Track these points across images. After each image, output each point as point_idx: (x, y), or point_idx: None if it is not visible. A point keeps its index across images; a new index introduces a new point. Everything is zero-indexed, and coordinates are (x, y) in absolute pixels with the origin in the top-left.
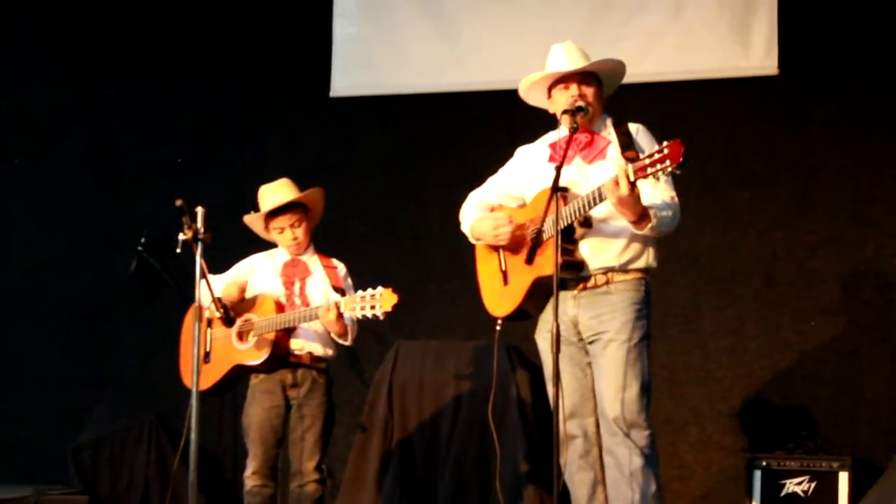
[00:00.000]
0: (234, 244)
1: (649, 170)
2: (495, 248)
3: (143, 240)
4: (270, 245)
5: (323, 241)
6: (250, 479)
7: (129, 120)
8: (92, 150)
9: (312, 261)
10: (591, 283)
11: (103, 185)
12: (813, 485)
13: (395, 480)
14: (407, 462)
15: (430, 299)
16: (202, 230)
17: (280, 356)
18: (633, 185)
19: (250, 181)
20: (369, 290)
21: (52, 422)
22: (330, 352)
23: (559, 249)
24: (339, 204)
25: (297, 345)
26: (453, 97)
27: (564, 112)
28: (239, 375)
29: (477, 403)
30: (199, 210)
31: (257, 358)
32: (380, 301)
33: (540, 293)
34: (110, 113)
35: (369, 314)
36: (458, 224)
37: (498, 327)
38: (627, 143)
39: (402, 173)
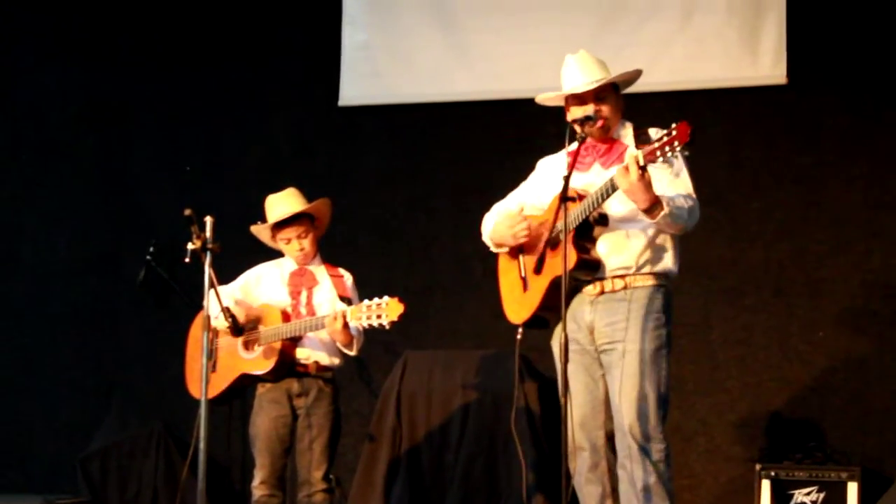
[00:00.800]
0: (242, 253)
1: (658, 153)
2: (515, 256)
3: (151, 249)
4: (278, 254)
5: (331, 250)
6: (258, 488)
7: (139, 126)
8: (101, 159)
9: (319, 270)
10: (608, 287)
11: (112, 191)
12: (822, 495)
13: (403, 490)
14: (415, 471)
15: (438, 308)
16: (211, 240)
17: (286, 365)
18: (643, 170)
19: (259, 190)
20: (375, 300)
21: (60, 431)
22: (336, 361)
23: (567, 260)
24: (348, 213)
25: (304, 354)
26: (462, 106)
27: (573, 122)
28: (245, 385)
29: (485, 413)
30: (208, 219)
31: (263, 367)
32: (386, 310)
33: (558, 296)
34: (119, 119)
35: (375, 323)
36: (465, 233)
37: (518, 336)
38: (643, 138)
39: (411, 182)
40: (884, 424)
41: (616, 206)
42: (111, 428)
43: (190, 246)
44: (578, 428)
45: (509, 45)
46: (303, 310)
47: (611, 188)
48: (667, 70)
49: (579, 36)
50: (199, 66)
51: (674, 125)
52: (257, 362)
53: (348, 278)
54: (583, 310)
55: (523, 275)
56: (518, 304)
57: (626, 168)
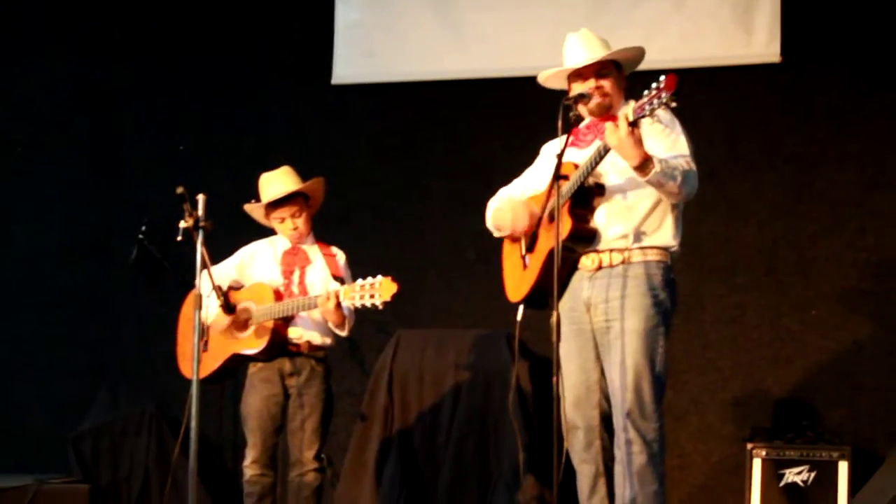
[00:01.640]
0: (235, 231)
1: (647, 106)
2: (517, 239)
3: (143, 228)
4: (271, 232)
5: (324, 229)
6: (249, 468)
7: (131, 108)
8: (93, 139)
9: (312, 249)
10: (606, 261)
11: (104, 173)
12: (813, 474)
13: (395, 469)
14: (407, 451)
15: (430, 287)
16: (203, 218)
17: (278, 345)
18: (632, 125)
19: (252, 168)
20: (368, 279)
21: (52, 411)
22: (328, 340)
23: (561, 229)
24: (341, 192)
25: (296, 333)
26: (455, 85)
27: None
28: (237, 365)
29: (477, 392)
30: (201, 197)
31: (255, 346)
32: (379, 290)
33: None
34: (112, 101)
35: (368, 303)
36: (459, 212)
37: (519, 317)
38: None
39: (404, 161)
40: (875, 404)
41: (614, 178)
42: (103, 407)
43: (182, 224)
44: (573, 407)
45: (503, 24)
46: (295, 289)
47: (603, 149)
48: (660, 49)
49: (573, 15)
50: (192, 46)
51: (661, 77)
52: (249, 341)
53: (341, 257)
54: (581, 286)
55: (523, 254)
56: (518, 281)
57: (616, 125)
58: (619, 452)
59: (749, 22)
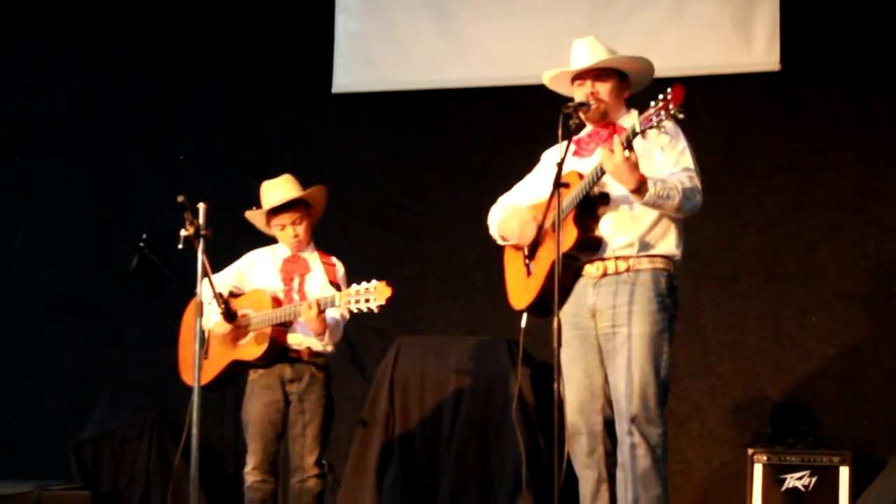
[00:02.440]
0: (235, 240)
1: (654, 117)
2: (520, 246)
3: (144, 236)
4: (272, 240)
5: (325, 236)
6: (250, 474)
7: (132, 116)
8: (93, 147)
9: (312, 257)
10: (611, 268)
11: (105, 181)
12: (814, 479)
13: (396, 475)
14: (408, 457)
15: (431, 295)
16: (204, 226)
17: (278, 351)
18: (626, 148)
19: (252, 177)
20: (363, 284)
21: (53, 418)
22: (329, 347)
23: (564, 239)
24: (341, 200)
25: (296, 339)
26: (455, 93)
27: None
28: (237, 371)
29: (478, 398)
30: (201, 206)
31: (254, 353)
32: (374, 294)
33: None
34: (112, 109)
35: (364, 308)
36: (459, 220)
37: (523, 324)
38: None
39: (404, 170)
40: (876, 409)
41: (617, 187)
42: (104, 414)
43: (183, 232)
44: (577, 412)
45: (502, 32)
46: (295, 296)
47: (599, 171)
48: (660, 56)
49: (572, 23)
50: (194, 54)
51: (669, 88)
52: (248, 348)
53: (340, 268)
54: (585, 292)
55: (526, 261)
56: (522, 289)
57: (611, 150)
58: (622, 457)
59: (748, 30)
